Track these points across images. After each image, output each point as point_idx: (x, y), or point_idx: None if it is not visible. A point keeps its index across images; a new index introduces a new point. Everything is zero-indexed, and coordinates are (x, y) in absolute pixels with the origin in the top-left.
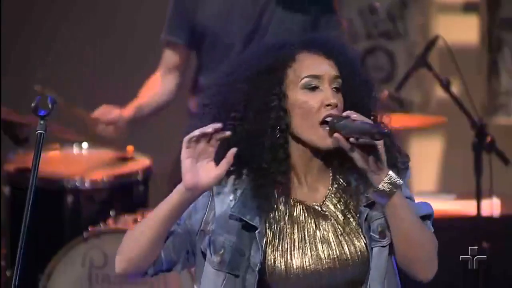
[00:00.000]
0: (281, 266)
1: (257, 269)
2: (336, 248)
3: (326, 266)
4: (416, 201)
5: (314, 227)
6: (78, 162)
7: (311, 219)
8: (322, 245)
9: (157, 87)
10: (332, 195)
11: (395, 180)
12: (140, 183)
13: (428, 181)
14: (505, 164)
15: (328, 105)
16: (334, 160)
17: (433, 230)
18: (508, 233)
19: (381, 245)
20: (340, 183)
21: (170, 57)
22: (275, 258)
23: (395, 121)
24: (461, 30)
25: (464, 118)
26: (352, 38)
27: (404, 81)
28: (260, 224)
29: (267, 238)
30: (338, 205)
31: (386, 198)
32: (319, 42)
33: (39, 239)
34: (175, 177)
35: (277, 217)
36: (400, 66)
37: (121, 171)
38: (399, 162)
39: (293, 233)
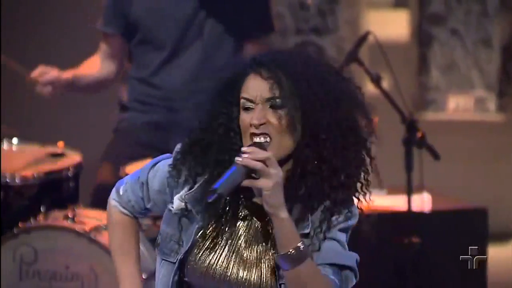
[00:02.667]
0: (198, 263)
1: (179, 257)
2: (254, 273)
3: (236, 284)
4: None
5: (245, 245)
6: (8, 158)
7: (247, 236)
8: (247, 263)
9: (97, 65)
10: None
11: (302, 253)
12: (71, 179)
13: None
14: (436, 159)
15: (252, 124)
16: (291, 180)
17: (353, 283)
18: (438, 228)
19: (282, 282)
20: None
21: (105, 46)
22: (197, 255)
23: None
24: (391, 25)
25: (395, 113)
26: (282, 33)
27: None
28: (202, 220)
29: (203, 234)
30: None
31: (287, 266)
32: (263, 62)
33: None
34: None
35: (223, 220)
36: (330, 61)
37: (52, 167)
38: (342, 210)
39: (225, 239)
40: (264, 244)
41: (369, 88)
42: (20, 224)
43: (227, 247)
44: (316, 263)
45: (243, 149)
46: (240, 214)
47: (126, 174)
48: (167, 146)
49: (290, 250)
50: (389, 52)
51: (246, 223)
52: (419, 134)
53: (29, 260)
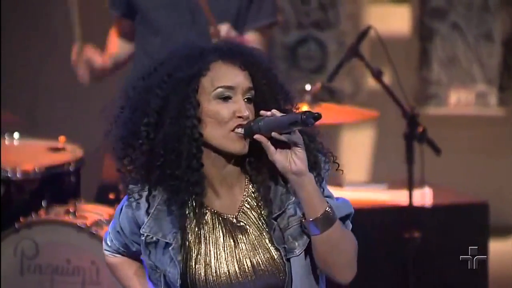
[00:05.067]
0: (200, 279)
1: (178, 284)
2: (253, 259)
3: (244, 278)
4: (341, 194)
5: (231, 240)
6: (10, 152)
7: (227, 231)
8: (239, 257)
9: (117, 42)
10: (246, 205)
11: (333, 213)
12: (72, 173)
13: (360, 170)
14: (437, 154)
15: (239, 117)
16: (248, 168)
17: (350, 227)
18: (439, 222)
19: (294, 255)
20: (254, 192)
21: (116, 27)
22: (195, 270)
23: (327, 112)
24: (392, 20)
25: (396, 108)
26: (284, 27)
27: (336, 71)
28: (175, 239)
29: (186, 251)
30: (252, 215)
31: (318, 230)
32: (234, 52)
33: None
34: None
35: (193, 227)
36: (331, 56)
37: (53, 162)
38: (321, 160)
39: (210, 245)
40: (244, 236)
41: (371, 82)
42: (21, 219)
43: (218, 254)
44: None
45: (262, 112)
46: (206, 219)
47: None
48: None
49: (319, 215)
50: (390, 47)
51: (217, 224)
52: (420, 129)
53: (30, 254)
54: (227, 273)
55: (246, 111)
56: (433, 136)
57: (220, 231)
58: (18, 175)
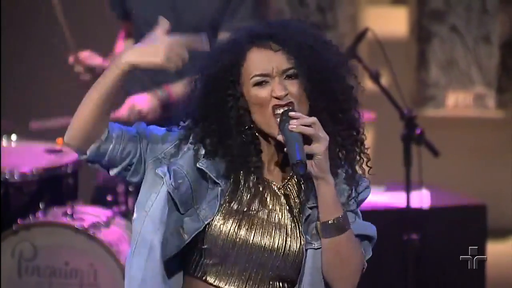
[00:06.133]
0: (221, 229)
1: (207, 221)
2: (277, 237)
3: (259, 250)
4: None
5: (268, 208)
6: (7, 154)
7: (270, 199)
8: (268, 228)
9: (122, 44)
10: (291, 184)
11: (344, 222)
12: (70, 175)
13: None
14: (435, 155)
15: (276, 98)
16: None
17: (370, 255)
18: (437, 224)
19: (313, 247)
20: (299, 179)
21: (122, 29)
22: (219, 220)
23: None
24: (390, 22)
25: (394, 109)
26: None
27: None
28: (224, 185)
29: (225, 200)
30: (292, 195)
31: (326, 234)
32: (266, 34)
33: None
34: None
35: (242, 187)
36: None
37: (51, 164)
38: (361, 180)
39: (249, 206)
40: (280, 213)
41: (368, 84)
42: (19, 221)
43: (245, 215)
44: None
45: (291, 114)
46: (256, 184)
47: None
48: None
49: (333, 219)
50: (388, 49)
51: (259, 194)
52: (418, 131)
53: (28, 256)
54: (250, 234)
55: (281, 91)
56: (431, 138)
57: (263, 197)
58: (16, 177)
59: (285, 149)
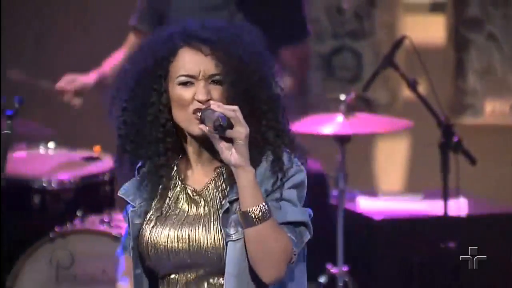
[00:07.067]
0: (145, 238)
1: (130, 247)
2: (194, 232)
3: (179, 245)
4: (385, 201)
5: (186, 210)
6: (45, 162)
7: (186, 202)
8: (183, 226)
9: (121, 59)
10: (213, 184)
11: (266, 212)
12: (107, 183)
13: (395, 181)
14: (472, 164)
15: (198, 101)
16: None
17: (306, 238)
18: (475, 233)
19: (231, 239)
20: (222, 173)
21: (135, 41)
22: (144, 231)
23: (362, 121)
24: (428, 29)
25: (431, 118)
26: (319, 37)
27: (371, 81)
28: (139, 205)
29: (150, 216)
30: (215, 195)
31: (249, 225)
32: (200, 37)
33: (5, 239)
34: None
35: (163, 195)
36: (367, 66)
37: (88, 171)
38: (294, 165)
39: (168, 211)
40: (200, 210)
41: (406, 92)
42: (56, 228)
43: (159, 220)
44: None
45: (212, 102)
46: (175, 190)
47: None
48: None
49: (254, 209)
50: (426, 56)
51: (182, 195)
52: (455, 139)
53: (65, 264)
54: (167, 236)
55: (204, 95)
56: (469, 146)
57: (182, 201)
58: (53, 185)
59: (218, 143)
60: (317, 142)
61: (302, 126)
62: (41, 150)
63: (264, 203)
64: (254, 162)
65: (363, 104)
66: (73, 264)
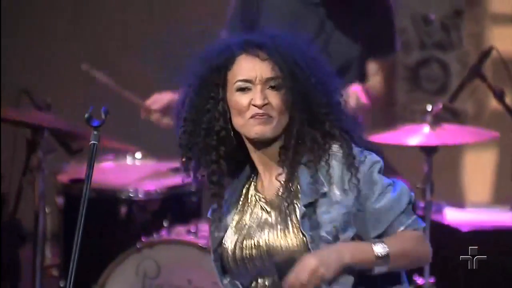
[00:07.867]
0: (229, 248)
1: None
2: (274, 241)
3: (259, 255)
4: (470, 213)
5: (261, 218)
6: (132, 172)
7: (262, 210)
8: (265, 235)
9: None
10: (282, 189)
11: (384, 255)
12: (193, 193)
13: (482, 192)
14: None
15: (255, 106)
16: (286, 153)
17: (414, 216)
18: None
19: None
20: (291, 177)
21: None
22: (228, 241)
23: (449, 132)
24: None
25: None
26: (406, 48)
27: (458, 92)
28: (227, 211)
29: (232, 225)
30: (285, 200)
31: (386, 267)
32: (256, 43)
33: (93, 249)
34: None
35: (240, 207)
36: (454, 77)
37: (175, 182)
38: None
39: (246, 221)
40: (274, 217)
41: (493, 103)
42: (143, 239)
43: (250, 229)
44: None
45: None
46: (248, 198)
47: None
48: None
49: (375, 260)
50: None
51: (256, 203)
52: None
53: (152, 274)
54: (246, 246)
55: (260, 99)
56: None
57: (258, 210)
58: (140, 195)
59: None
60: (404, 154)
61: (388, 137)
62: (128, 160)
63: (372, 244)
64: (320, 164)
65: (450, 115)
66: (159, 274)
